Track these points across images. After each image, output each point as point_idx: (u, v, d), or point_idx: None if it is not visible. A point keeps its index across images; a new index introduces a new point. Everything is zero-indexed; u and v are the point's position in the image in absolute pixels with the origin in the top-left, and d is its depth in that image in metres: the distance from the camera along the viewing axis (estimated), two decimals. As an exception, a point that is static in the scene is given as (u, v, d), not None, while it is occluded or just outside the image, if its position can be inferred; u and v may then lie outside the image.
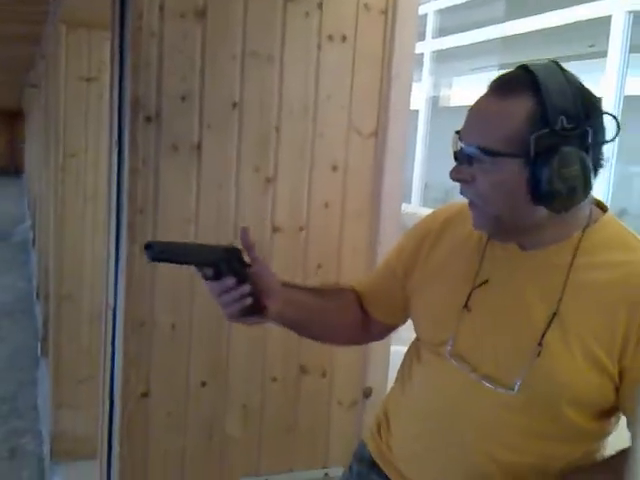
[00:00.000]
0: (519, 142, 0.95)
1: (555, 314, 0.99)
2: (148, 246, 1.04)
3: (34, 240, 6.94)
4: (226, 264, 1.08)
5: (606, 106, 1.00)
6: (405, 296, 1.23)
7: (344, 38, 1.59)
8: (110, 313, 1.57)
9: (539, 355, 0.98)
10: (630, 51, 4.90)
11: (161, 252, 1.05)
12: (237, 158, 1.52)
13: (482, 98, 1.01)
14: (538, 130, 0.94)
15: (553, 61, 0.99)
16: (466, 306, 1.08)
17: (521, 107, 0.95)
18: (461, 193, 1.04)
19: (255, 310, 1.11)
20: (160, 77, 1.43)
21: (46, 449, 3.02)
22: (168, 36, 1.43)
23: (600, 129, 0.98)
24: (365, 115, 1.64)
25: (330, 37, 1.57)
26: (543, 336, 0.99)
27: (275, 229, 1.58)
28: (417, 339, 1.23)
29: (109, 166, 1.60)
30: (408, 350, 1.26)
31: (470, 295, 1.08)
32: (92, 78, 2.76)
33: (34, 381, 4.06)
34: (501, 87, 0.99)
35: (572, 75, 0.98)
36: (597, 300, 0.98)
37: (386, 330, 1.35)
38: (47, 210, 3.42)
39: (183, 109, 1.46)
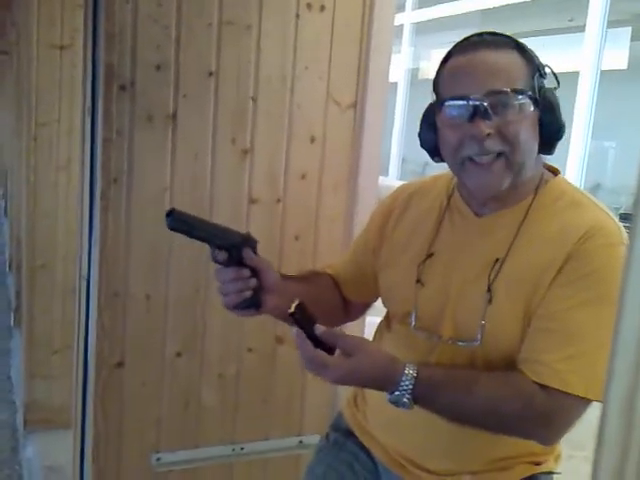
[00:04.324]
0: (530, 85, 1.02)
1: (498, 260, 1.04)
2: (169, 213, 1.04)
3: (6, 210, 6.83)
4: (237, 251, 1.08)
5: (584, 81, 1.03)
6: (375, 273, 1.26)
7: (323, 8, 1.56)
8: (84, 284, 1.56)
9: (490, 302, 1.03)
10: (608, 26, 4.91)
11: (179, 222, 1.05)
12: (213, 128, 1.51)
13: (474, 54, 1.03)
14: (534, 75, 1.02)
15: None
16: (419, 281, 1.12)
17: (517, 57, 1.02)
18: (480, 152, 1.01)
19: (253, 304, 1.13)
20: (134, 45, 1.40)
21: (20, 419, 3.02)
22: (143, 3, 1.39)
23: None
24: (344, 86, 1.63)
25: (309, 6, 1.55)
26: (492, 284, 1.03)
27: (252, 201, 1.57)
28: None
29: (82, 135, 1.58)
30: (381, 321, 1.29)
31: (419, 270, 1.12)
32: (65, 46, 2.68)
33: (7, 351, 4.03)
34: (490, 44, 1.03)
35: None
36: (536, 252, 1.02)
37: (363, 308, 1.38)
38: (19, 179, 3.36)
39: (158, 78, 1.43)
